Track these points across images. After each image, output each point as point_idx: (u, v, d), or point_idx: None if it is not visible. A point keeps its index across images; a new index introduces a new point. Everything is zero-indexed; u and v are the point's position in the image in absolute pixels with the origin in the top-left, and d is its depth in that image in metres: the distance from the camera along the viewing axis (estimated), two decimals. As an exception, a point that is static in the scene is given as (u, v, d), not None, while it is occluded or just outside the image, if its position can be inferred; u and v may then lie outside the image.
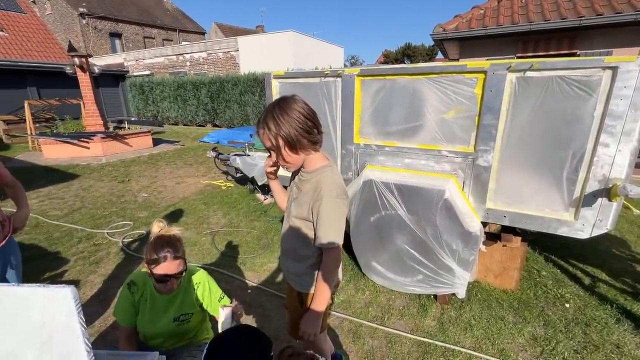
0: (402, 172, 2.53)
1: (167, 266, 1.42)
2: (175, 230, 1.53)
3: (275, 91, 3.05)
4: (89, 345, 0.81)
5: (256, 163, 4.39)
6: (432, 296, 2.56)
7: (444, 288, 2.43)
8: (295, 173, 1.42)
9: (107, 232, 3.70)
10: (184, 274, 1.49)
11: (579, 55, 6.08)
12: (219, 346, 0.95)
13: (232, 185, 5.56)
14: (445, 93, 2.28)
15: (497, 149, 2.20)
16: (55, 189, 5.36)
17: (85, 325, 0.81)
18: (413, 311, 2.43)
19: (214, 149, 5.54)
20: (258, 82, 12.48)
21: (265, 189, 4.88)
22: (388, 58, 31.12)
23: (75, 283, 2.75)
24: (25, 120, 8.93)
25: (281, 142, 1.20)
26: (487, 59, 5.60)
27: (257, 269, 3.02)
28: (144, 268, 1.51)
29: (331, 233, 1.25)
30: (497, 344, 2.10)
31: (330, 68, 2.80)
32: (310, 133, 1.22)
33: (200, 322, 1.67)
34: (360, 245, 2.73)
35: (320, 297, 1.34)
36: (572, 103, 1.94)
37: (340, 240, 1.27)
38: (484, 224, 2.42)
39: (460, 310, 2.41)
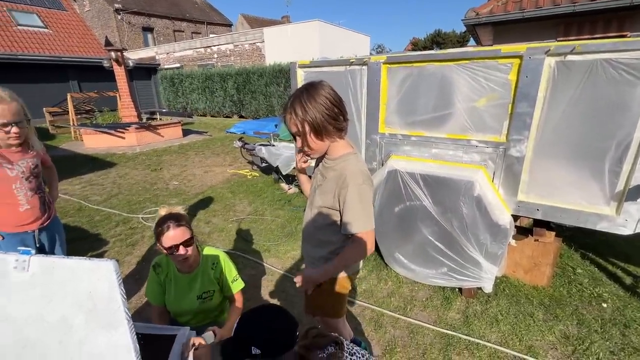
0: (428, 162, 2.47)
1: (172, 235, 1.47)
2: (178, 208, 1.61)
3: (301, 80, 3.06)
4: (129, 315, 0.88)
5: (281, 153, 4.45)
6: (456, 289, 2.51)
7: (470, 281, 2.38)
8: (319, 160, 1.43)
9: (141, 217, 3.92)
10: (193, 243, 1.53)
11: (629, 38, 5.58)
12: (250, 320, 0.99)
13: (257, 174, 5.68)
14: (476, 80, 2.19)
15: (531, 138, 2.09)
16: (95, 176, 5.74)
17: (125, 297, 0.88)
18: (436, 303, 2.40)
19: (240, 139, 5.67)
20: (283, 73, 12.54)
21: (289, 179, 4.94)
22: (416, 46, 30.08)
23: (114, 263, 2.96)
24: (68, 112, 9.55)
25: (307, 128, 1.20)
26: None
27: (281, 256, 3.09)
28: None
29: (361, 219, 1.24)
30: (525, 340, 2.03)
31: (356, 57, 2.76)
32: (336, 119, 1.22)
33: (222, 301, 1.75)
34: (383, 235, 2.71)
35: (328, 269, 1.33)
36: (618, 88, 1.80)
37: (370, 225, 1.26)
38: (515, 218, 2.32)
39: (486, 305, 2.35)
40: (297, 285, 1.39)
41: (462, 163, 2.37)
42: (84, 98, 10.58)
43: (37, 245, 1.77)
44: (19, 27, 13.25)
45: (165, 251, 1.51)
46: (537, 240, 2.42)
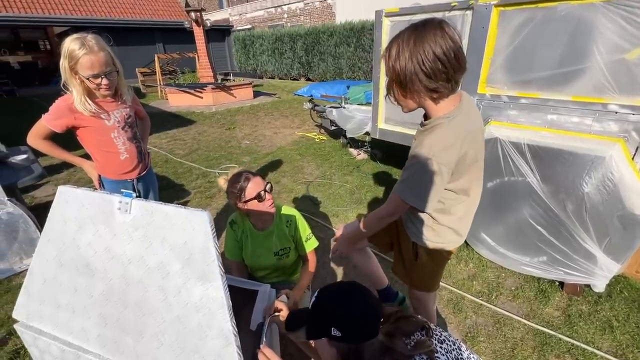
0: (541, 131, 2.03)
1: (253, 183, 1.45)
2: (240, 169, 1.57)
3: (386, 32, 2.72)
4: (222, 269, 0.82)
5: (352, 115, 4.22)
6: (556, 283, 2.15)
7: (577, 277, 1.99)
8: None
9: (217, 172, 4.15)
10: (271, 187, 1.52)
11: None
12: (331, 297, 0.87)
13: (325, 138, 5.57)
14: (633, 22, 1.65)
15: None
16: (179, 132, 6.24)
17: (219, 250, 0.83)
18: (529, 295, 2.09)
19: (310, 100, 5.55)
20: (354, 32, 11.82)
21: (358, 144, 4.73)
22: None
23: (195, 212, 3.19)
24: (155, 72, 10.43)
25: (393, 75, 1.03)
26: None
27: (348, 221, 3.00)
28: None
29: (404, 187, 1.11)
30: (652, 356, 1.66)
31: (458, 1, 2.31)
32: (431, 78, 0.98)
33: (297, 259, 1.72)
34: (468, 212, 2.41)
35: (361, 225, 1.33)
36: None
37: (407, 196, 1.11)
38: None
39: (596, 306, 1.97)
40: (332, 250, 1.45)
41: (590, 134, 1.89)
42: (168, 59, 11.41)
43: (137, 195, 1.91)
44: (114, -6, 14.58)
45: (246, 207, 1.49)
46: (684, 238, 1.89)
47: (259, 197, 1.46)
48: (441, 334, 0.97)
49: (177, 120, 7.19)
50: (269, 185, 1.51)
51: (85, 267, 0.97)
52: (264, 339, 0.99)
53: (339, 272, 2.35)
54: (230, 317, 0.81)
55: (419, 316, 0.99)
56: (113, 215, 0.93)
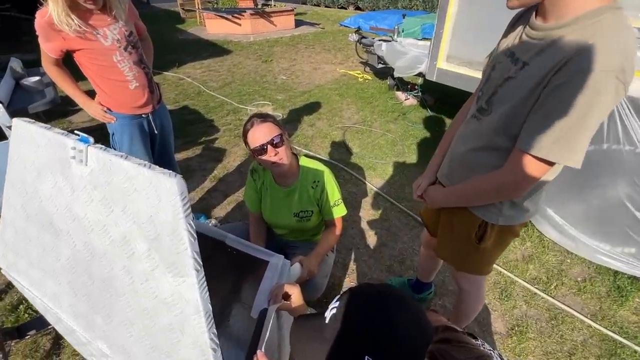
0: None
1: (257, 131, 1.18)
2: (270, 109, 1.27)
3: None
4: (199, 263, 0.57)
5: (406, 51, 3.55)
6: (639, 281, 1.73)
7: (675, 279, 1.56)
8: (513, 29, 0.85)
9: (249, 109, 3.87)
10: (283, 143, 1.21)
11: None
12: (365, 310, 0.58)
13: (369, 77, 4.94)
14: None
15: None
16: (214, 62, 5.89)
17: (195, 235, 0.56)
18: (600, 290, 1.72)
19: (356, 32, 4.81)
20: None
21: (408, 87, 4.11)
22: None
23: (222, 151, 3.02)
24: (195, -6, 9.75)
25: None
26: None
27: (387, 178, 2.66)
28: None
29: (550, 138, 0.70)
30: None
31: None
32: None
33: (320, 222, 1.50)
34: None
35: (456, 192, 1.00)
36: None
37: (564, 157, 0.71)
38: None
39: (692, 318, 1.56)
40: (416, 195, 1.15)
41: None
42: (207, -20, 10.53)
43: (156, 132, 1.69)
44: None
45: (254, 157, 1.23)
46: None
47: (260, 151, 1.19)
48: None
49: (213, 49, 6.79)
50: (278, 137, 1.19)
51: (49, 224, 0.78)
52: (266, 336, 0.78)
53: (370, 234, 2.10)
54: (208, 327, 0.58)
55: (477, 340, 0.70)
56: (69, 166, 0.69)
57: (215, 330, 0.59)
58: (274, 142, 1.18)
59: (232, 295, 1.51)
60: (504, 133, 0.82)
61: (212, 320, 0.59)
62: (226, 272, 1.39)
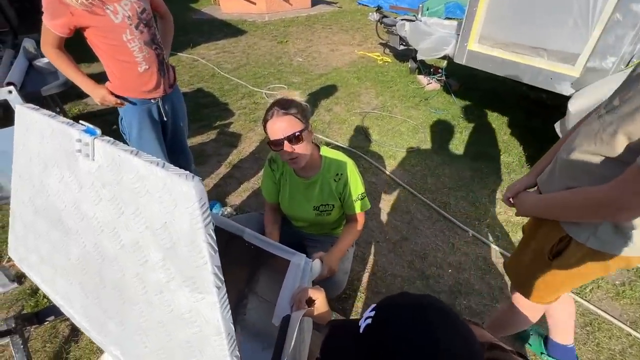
0: None
1: (277, 124, 1.08)
2: (295, 94, 1.16)
3: None
4: (221, 277, 0.49)
5: (431, 32, 3.32)
6: (687, 287, 1.59)
7: None
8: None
9: (265, 92, 3.76)
10: (303, 139, 1.10)
11: None
12: (405, 328, 0.48)
13: (389, 60, 4.71)
14: None
15: None
16: (228, 42, 5.74)
17: (215, 248, 0.48)
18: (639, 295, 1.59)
19: (377, 10, 4.56)
20: None
21: (431, 71, 3.89)
22: None
23: (237, 137, 2.94)
24: (208, -29, 9.46)
25: None
26: None
27: (407, 167, 2.54)
28: None
29: None
30: None
31: None
32: None
33: (341, 216, 1.41)
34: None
35: (554, 201, 0.82)
36: None
37: None
38: None
39: None
40: (506, 197, 1.01)
41: None
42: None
43: (165, 119, 1.61)
44: None
45: (271, 148, 1.14)
46: None
47: (276, 145, 1.09)
48: None
49: (227, 29, 6.61)
50: (297, 133, 1.08)
51: (58, 221, 0.72)
52: (291, 345, 0.71)
53: (390, 227, 2.01)
54: (230, 350, 0.51)
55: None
56: (76, 160, 0.61)
57: (238, 353, 0.52)
58: (292, 139, 1.08)
59: (247, 286, 1.47)
60: (629, 138, 0.67)
61: (235, 341, 0.52)
62: (241, 262, 1.34)
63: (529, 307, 1.05)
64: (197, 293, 0.51)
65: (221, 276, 0.49)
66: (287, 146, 1.09)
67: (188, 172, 0.48)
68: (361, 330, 0.47)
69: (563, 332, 1.27)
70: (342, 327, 0.54)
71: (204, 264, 0.48)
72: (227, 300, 0.50)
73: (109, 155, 0.56)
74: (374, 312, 0.47)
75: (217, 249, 0.49)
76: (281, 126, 1.07)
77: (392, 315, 0.46)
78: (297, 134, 1.08)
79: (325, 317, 0.82)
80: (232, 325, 0.51)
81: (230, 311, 0.51)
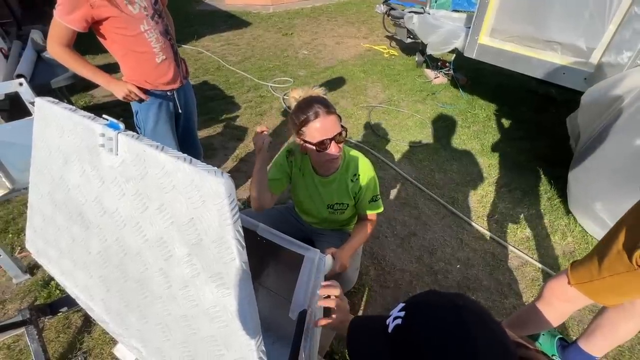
0: None
1: (322, 123, 1.05)
2: (317, 90, 1.15)
3: None
4: (248, 273, 0.49)
5: (439, 25, 3.28)
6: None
7: None
8: None
9: (270, 86, 3.73)
10: (344, 137, 1.10)
11: None
12: (437, 321, 0.46)
13: (395, 53, 4.66)
14: None
15: None
16: (233, 34, 5.69)
17: (243, 244, 0.48)
18: (650, 293, 1.59)
19: (385, 2, 4.49)
20: None
21: (438, 64, 3.85)
22: None
23: (243, 130, 2.93)
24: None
25: None
26: None
27: (415, 162, 2.53)
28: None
29: None
30: None
31: None
32: None
33: (353, 215, 1.41)
34: (582, 172, 1.80)
35: None
36: None
37: None
38: None
39: None
40: None
41: None
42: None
43: (180, 111, 1.60)
44: None
45: (308, 147, 1.10)
46: None
47: (321, 145, 1.07)
48: None
49: (231, 21, 6.55)
50: (342, 132, 1.08)
51: (78, 215, 0.72)
52: (308, 342, 0.71)
53: (398, 222, 2.01)
54: (257, 346, 0.51)
55: None
56: (98, 154, 0.61)
57: (264, 348, 0.52)
58: (338, 139, 1.07)
59: (255, 279, 1.48)
60: None
61: (261, 337, 0.52)
62: (250, 256, 1.35)
63: (560, 307, 1.05)
64: (224, 289, 0.51)
65: (249, 271, 0.49)
66: (334, 146, 1.08)
67: (216, 168, 0.48)
68: (390, 330, 0.47)
69: (602, 343, 1.13)
70: (368, 325, 0.54)
71: (231, 260, 0.48)
72: (254, 296, 0.50)
73: (134, 150, 0.55)
74: (404, 312, 0.46)
75: (244, 245, 0.49)
76: (329, 125, 1.06)
77: (425, 317, 0.44)
78: (342, 133, 1.08)
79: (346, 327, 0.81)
80: (259, 321, 0.52)
81: (256, 307, 0.51)
